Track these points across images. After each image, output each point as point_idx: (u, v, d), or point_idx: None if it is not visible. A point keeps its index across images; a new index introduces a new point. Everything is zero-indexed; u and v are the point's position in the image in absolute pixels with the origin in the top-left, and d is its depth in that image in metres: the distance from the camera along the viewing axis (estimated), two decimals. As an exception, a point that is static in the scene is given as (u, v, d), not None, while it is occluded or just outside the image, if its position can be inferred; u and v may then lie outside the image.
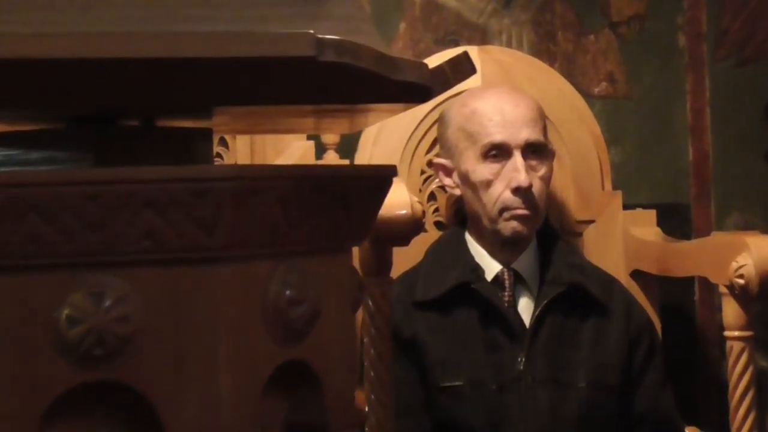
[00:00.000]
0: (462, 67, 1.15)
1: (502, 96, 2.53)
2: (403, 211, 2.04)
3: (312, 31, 1.00)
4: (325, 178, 1.16)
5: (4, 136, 1.21)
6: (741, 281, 2.27)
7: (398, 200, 2.03)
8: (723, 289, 2.34)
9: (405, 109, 1.36)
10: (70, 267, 1.03)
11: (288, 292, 1.10)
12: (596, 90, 2.99)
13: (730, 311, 2.32)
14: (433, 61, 2.59)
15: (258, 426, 1.10)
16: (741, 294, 2.28)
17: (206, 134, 1.25)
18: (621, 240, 2.74)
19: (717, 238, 2.56)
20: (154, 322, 1.04)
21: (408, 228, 2.05)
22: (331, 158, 2.67)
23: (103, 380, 1.03)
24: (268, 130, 2.07)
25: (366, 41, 1.04)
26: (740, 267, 2.28)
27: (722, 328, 2.36)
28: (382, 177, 1.22)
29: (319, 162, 2.65)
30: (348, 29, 1.03)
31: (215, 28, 1.01)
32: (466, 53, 1.18)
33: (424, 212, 2.18)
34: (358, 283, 1.26)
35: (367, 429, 2.12)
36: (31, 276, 1.02)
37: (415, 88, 1.09)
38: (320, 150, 2.67)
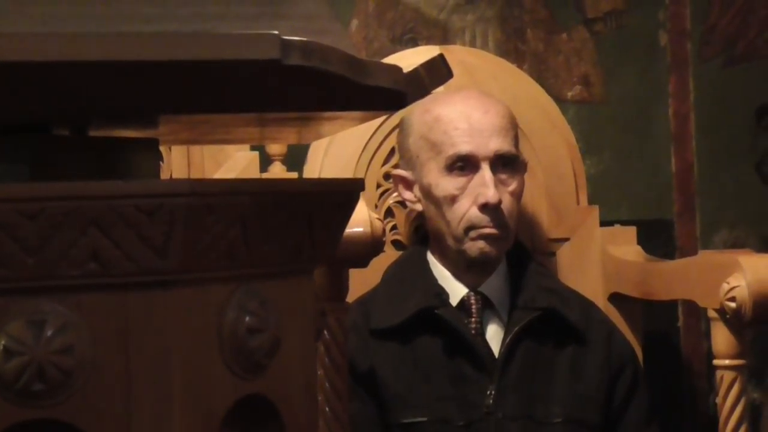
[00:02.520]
0: (438, 71, 1.16)
1: (469, 101, 2.53)
2: (361, 229, 2.05)
3: (276, 32, 1.01)
4: (288, 193, 1.17)
5: None
6: (733, 305, 2.28)
7: (356, 217, 2.03)
8: (712, 314, 2.35)
9: (374, 117, 1.37)
10: (5, 293, 1.03)
11: (247, 319, 1.11)
12: (570, 94, 3.00)
13: (721, 338, 2.33)
14: (392, 63, 2.61)
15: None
16: (733, 319, 2.29)
17: (152, 144, 1.25)
18: (598, 260, 2.75)
19: (704, 257, 2.58)
20: (100, 353, 1.04)
21: (366, 248, 2.06)
22: (278, 170, 2.66)
23: (44, 418, 1.04)
24: (215, 140, 2.06)
25: (334, 43, 1.05)
26: (732, 289, 2.28)
27: (710, 357, 2.38)
28: (348, 192, 1.23)
29: (264, 175, 2.63)
30: (314, 29, 1.04)
31: (169, 27, 1.02)
32: (441, 55, 1.19)
33: (384, 230, 2.19)
34: (321, 309, 1.26)
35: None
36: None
37: (388, 94, 1.10)
38: (265, 161, 2.66)
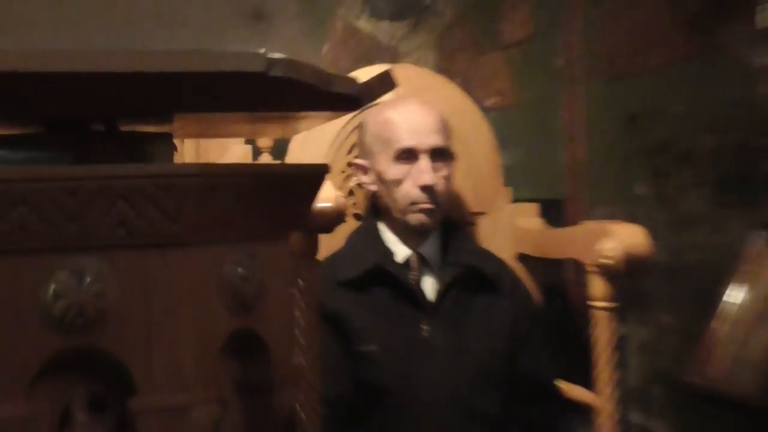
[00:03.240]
0: (386, 83, 1.16)
1: (412, 107, 2.54)
2: (329, 204, 2.05)
3: (263, 51, 1.00)
4: (272, 175, 1.17)
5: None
6: (606, 261, 2.31)
7: (324, 195, 2.03)
8: (591, 269, 2.37)
9: (338, 117, 1.37)
10: (55, 251, 1.02)
11: (239, 271, 1.11)
12: (489, 102, 3.01)
13: (597, 287, 2.36)
14: (352, 76, 2.60)
15: (215, 382, 1.11)
16: (606, 272, 2.33)
17: (167, 137, 1.25)
18: (508, 228, 2.76)
19: (586, 226, 2.59)
20: (126, 296, 1.04)
21: (332, 218, 2.06)
22: (266, 160, 2.67)
23: (84, 346, 1.03)
24: (217, 134, 2.07)
25: (307, 59, 1.05)
26: (606, 249, 2.32)
27: (589, 300, 2.40)
28: (317, 174, 1.22)
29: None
30: (292, 49, 1.03)
31: (181, 46, 1.01)
32: (388, 71, 1.19)
33: (346, 205, 2.19)
34: (296, 264, 1.26)
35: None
36: (21, 259, 1.01)
37: (347, 99, 1.10)
38: (256, 153, 2.66)
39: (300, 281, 2.11)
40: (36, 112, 1.20)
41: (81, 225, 1.02)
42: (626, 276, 2.34)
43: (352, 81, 1.08)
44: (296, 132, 2.39)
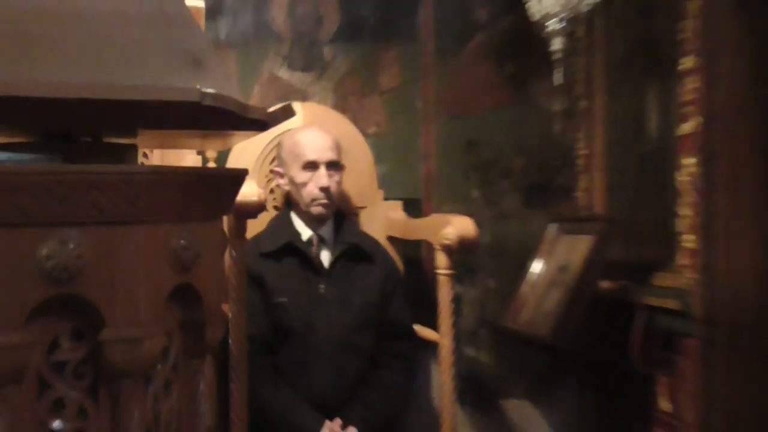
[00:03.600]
0: (287, 112, 1.16)
1: (314, 132, 2.52)
2: (254, 198, 2.04)
3: (198, 86, 1.00)
4: (205, 175, 1.16)
5: (2, 146, 1.17)
6: (447, 242, 2.32)
7: (251, 191, 2.03)
8: (437, 246, 2.38)
9: (254, 135, 1.35)
10: (46, 225, 1.01)
11: (182, 242, 1.10)
12: (370, 131, 2.99)
13: (441, 260, 2.36)
14: (264, 107, 2.58)
15: (163, 321, 1.10)
16: (446, 249, 2.34)
17: (133, 147, 1.23)
18: (382, 218, 2.75)
19: (434, 217, 2.61)
20: (98, 258, 1.03)
21: (256, 208, 2.05)
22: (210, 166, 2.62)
23: (67, 293, 1.02)
24: (174, 146, 2.03)
25: (230, 93, 1.05)
26: (447, 233, 2.33)
27: (435, 269, 2.40)
28: (239, 176, 1.22)
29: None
30: (221, 85, 1.03)
31: (140, 81, 1.00)
32: (289, 104, 1.19)
33: (266, 199, 2.18)
34: (225, 239, 1.25)
35: (229, 326, 2.11)
36: (21, 230, 1.00)
37: (258, 123, 1.10)
38: (204, 162, 2.61)
39: (233, 252, 2.10)
40: (40, 126, 1.17)
41: (65, 207, 1.01)
42: (460, 252, 2.35)
43: (262, 110, 1.08)
44: (229, 146, 2.37)
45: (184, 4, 1.11)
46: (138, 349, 1.04)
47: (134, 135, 1.23)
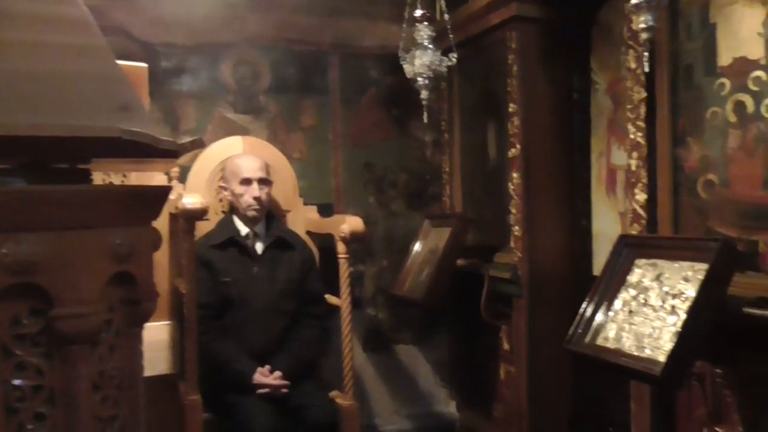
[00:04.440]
0: (196, 144, 1.12)
1: (249, 157, 2.46)
2: (198, 206, 1.98)
3: (120, 126, 0.95)
4: (136, 191, 1.10)
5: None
6: (343, 234, 2.31)
7: (195, 201, 1.98)
8: (337, 238, 2.36)
9: (172, 161, 1.30)
10: (6, 231, 0.94)
11: (118, 241, 1.05)
12: (295, 156, 2.94)
13: (340, 247, 2.35)
14: (217, 144, 2.49)
15: (106, 300, 1.05)
16: (344, 240, 2.32)
17: (87, 171, 1.16)
18: (302, 218, 2.70)
19: (336, 217, 2.56)
20: (52, 254, 0.97)
21: (199, 212, 1.99)
22: (174, 183, 2.52)
23: (26, 282, 0.96)
24: (143, 169, 1.93)
25: (147, 130, 1.00)
26: (343, 228, 2.32)
27: (338, 254, 2.37)
28: (163, 192, 1.16)
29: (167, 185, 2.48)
30: (143, 126, 0.99)
31: (79, 122, 0.95)
32: (200, 138, 1.15)
33: (209, 206, 2.11)
34: (158, 237, 1.20)
35: (185, 300, 2.05)
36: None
37: (172, 152, 1.06)
38: (169, 179, 2.51)
39: (185, 244, 2.03)
40: (17, 156, 1.10)
41: (23, 216, 0.95)
42: (353, 242, 2.34)
43: (172, 142, 1.04)
44: (169, 169, 2.27)
45: (119, 67, 1.06)
46: (82, 322, 0.99)
47: (88, 162, 1.16)
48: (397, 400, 3.16)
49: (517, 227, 2.58)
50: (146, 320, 1.12)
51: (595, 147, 2.52)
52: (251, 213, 2.41)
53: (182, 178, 2.56)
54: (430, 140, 3.17)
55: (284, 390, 2.24)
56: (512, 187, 2.60)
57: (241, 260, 2.37)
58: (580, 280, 2.54)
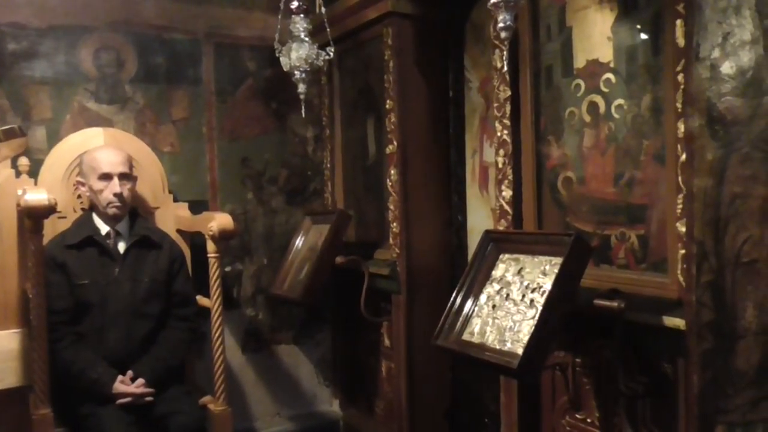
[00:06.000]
0: (8, 133, 1.02)
1: (108, 150, 2.31)
2: (45, 202, 1.83)
3: None
4: None
5: None
6: (212, 232, 2.24)
7: (41, 197, 1.82)
8: (207, 236, 2.28)
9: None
10: None
11: None
12: (165, 150, 2.78)
13: (210, 245, 2.27)
14: (75, 136, 2.33)
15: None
16: (213, 237, 2.25)
17: None
18: (171, 216, 2.59)
19: (205, 214, 2.47)
20: None
21: (45, 210, 1.85)
22: (24, 178, 2.30)
23: None
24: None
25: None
26: (211, 226, 2.25)
27: (208, 253, 2.30)
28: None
29: (18, 180, 2.27)
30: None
31: None
32: (13, 127, 1.04)
33: (56, 202, 1.95)
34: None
35: (31, 305, 1.88)
36: None
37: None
38: (18, 174, 2.30)
39: (31, 245, 1.87)
40: None
41: None
42: (222, 240, 2.27)
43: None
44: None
45: None
46: None
47: None
48: (279, 402, 3.10)
49: (395, 224, 2.60)
50: None
51: (469, 144, 2.60)
52: (112, 210, 2.26)
53: (34, 173, 2.35)
54: (311, 136, 3.14)
55: (148, 398, 2.12)
56: (390, 183, 2.62)
57: (100, 261, 2.23)
58: (456, 276, 2.60)
